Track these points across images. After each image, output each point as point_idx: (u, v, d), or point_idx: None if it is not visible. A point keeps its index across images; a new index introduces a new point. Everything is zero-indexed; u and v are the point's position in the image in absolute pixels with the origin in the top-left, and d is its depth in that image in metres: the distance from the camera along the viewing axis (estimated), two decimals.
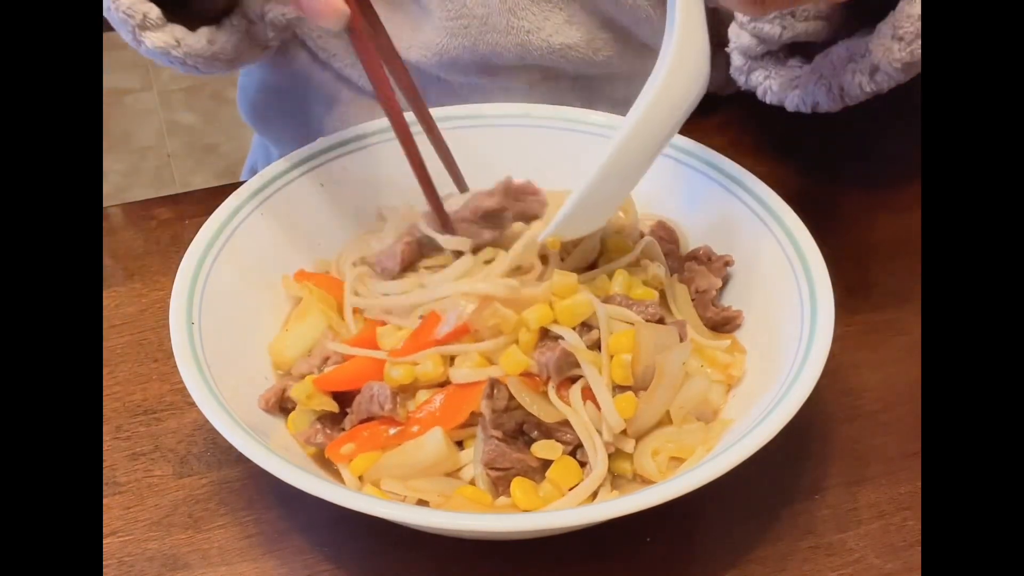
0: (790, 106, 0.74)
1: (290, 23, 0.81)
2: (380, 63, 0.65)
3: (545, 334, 0.61)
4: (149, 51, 0.73)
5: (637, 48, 0.86)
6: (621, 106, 0.78)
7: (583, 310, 0.61)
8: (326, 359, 0.64)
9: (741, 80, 0.76)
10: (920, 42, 0.65)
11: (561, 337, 0.60)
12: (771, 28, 0.69)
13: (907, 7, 0.66)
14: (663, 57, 0.61)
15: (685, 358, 0.61)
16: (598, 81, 0.87)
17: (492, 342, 0.61)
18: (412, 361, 0.61)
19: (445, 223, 0.66)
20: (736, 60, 0.76)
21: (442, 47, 0.83)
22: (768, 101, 0.75)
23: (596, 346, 0.61)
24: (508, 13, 0.81)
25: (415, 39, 0.84)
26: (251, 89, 0.97)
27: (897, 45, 0.66)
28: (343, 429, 0.62)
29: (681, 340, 0.62)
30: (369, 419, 0.61)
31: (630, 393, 0.60)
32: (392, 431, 0.60)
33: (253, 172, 1.03)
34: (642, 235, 0.69)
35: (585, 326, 0.61)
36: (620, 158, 0.62)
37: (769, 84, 0.74)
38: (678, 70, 0.60)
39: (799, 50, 0.75)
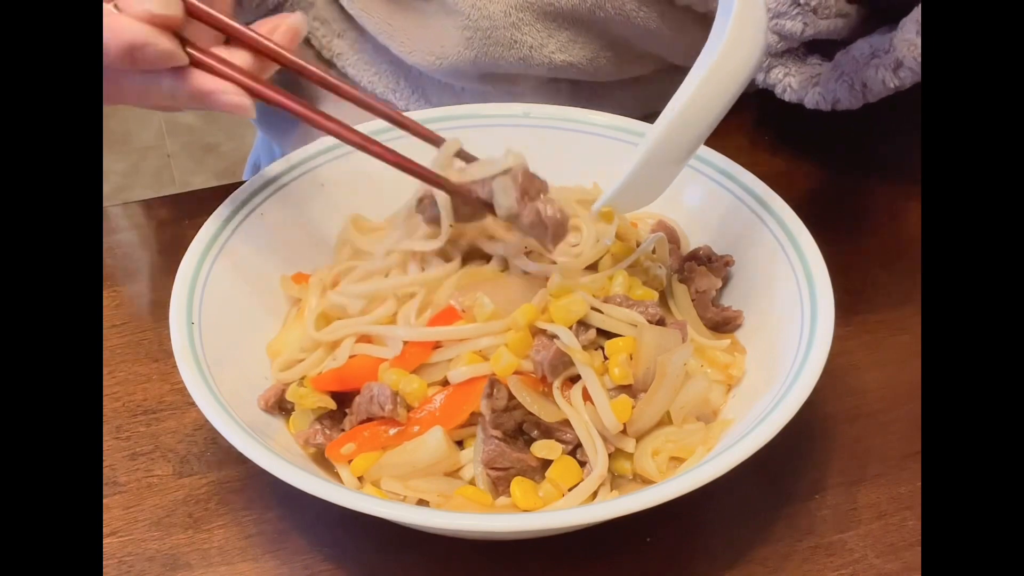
0: (810, 103, 0.74)
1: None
2: (311, 112, 0.63)
3: (542, 333, 0.61)
4: None
5: (639, 59, 0.85)
6: (620, 109, 0.78)
7: (578, 308, 0.61)
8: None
9: (760, 78, 0.75)
10: None
11: (556, 336, 0.60)
12: (793, 25, 0.68)
13: None
14: (720, 26, 0.60)
15: (687, 359, 0.61)
16: (599, 87, 0.87)
17: (488, 340, 0.61)
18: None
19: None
20: None
21: (444, 55, 0.83)
22: (787, 99, 0.75)
23: (593, 345, 0.61)
24: (512, 28, 0.81)
25: (418, 44, 0.84)
26: None
27: (920, 40, 0.65)
28: (343, 430, 0.62)
29: (683, 341, 0.62)
30: (369, 420, 0.61)
31: (626, 396, 0.60)
32: (392, 431, 0.60)
33: (256, 168, 1.03)
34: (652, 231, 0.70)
35: (582, 325, 0.61)
36: (676, 130, 0.61)
37: (788, 81, 0.74)
38: (739, 36, 0.60)
39: (818, 48, 0.74)
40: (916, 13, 0.66)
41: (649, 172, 0.64)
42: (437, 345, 0.62)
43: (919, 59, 0.65)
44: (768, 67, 0.74)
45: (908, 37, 0.66)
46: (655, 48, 0.84)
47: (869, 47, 0.70)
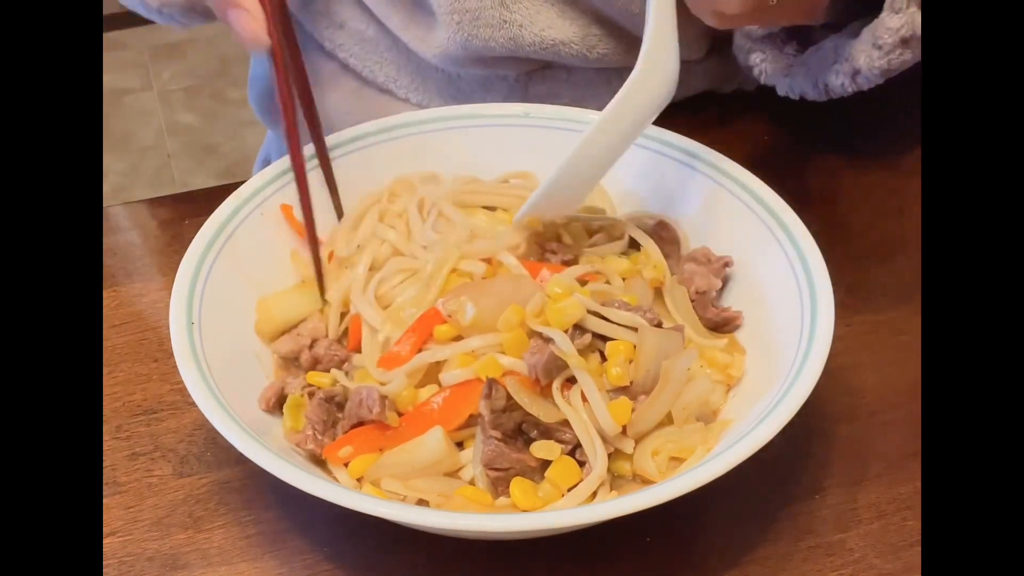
0: (781, 91, 0.78)
1: None
2: (291, 91, 0.69)
3: (537, 335, 0.61)
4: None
5: (632, 44, 0.85)
6: None
7: (574, 312, 0.61)
8: (314, 341, 0.65)
9: (741, 58, 0.79)
10: (897, 52, 0.69)
11: (551, 339, 0.60)
12: None
13: (887, 19, 0.69)
14: (640, 58, 0.64)
15: (691, 364, 0.61)
16: (594, 74, 0.87)
17: (481, 340, 0.61)
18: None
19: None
20: (738, 39, 0.79)
21: (436, 40, 0.83)
22: (763, 82, 0.79)
23: (590, 348, 0.61)
24: (500, 7, 0.81)
25: (411, 31, 0.85)
26: (261, 80, 0.97)
27: (877, 53, 0.70)
28: (336, 435, 0.62)
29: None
30: (360, 423, 0.61)
31: (625, 398, 0.60)
32: (388, 433, 0.60)
33: (266, 163, 1.04)
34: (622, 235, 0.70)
35: (578, 329, 0.61)
36: (589, 148, 0.65)
37: (764, 67, 0.78)
38: (648, 71, 0.64)
39: (796, 34, 0.76)
40: (873, 27, 0.69)
41: (567, 183, 0.66)
42: (419, 348, 0.62)
43: (874, 70, 0.70)
44: (749, 50, 0.78)
45: (865, 48, 0.70)
46: (641, 32, 0.84)
47: (834, 50, 0.73)
